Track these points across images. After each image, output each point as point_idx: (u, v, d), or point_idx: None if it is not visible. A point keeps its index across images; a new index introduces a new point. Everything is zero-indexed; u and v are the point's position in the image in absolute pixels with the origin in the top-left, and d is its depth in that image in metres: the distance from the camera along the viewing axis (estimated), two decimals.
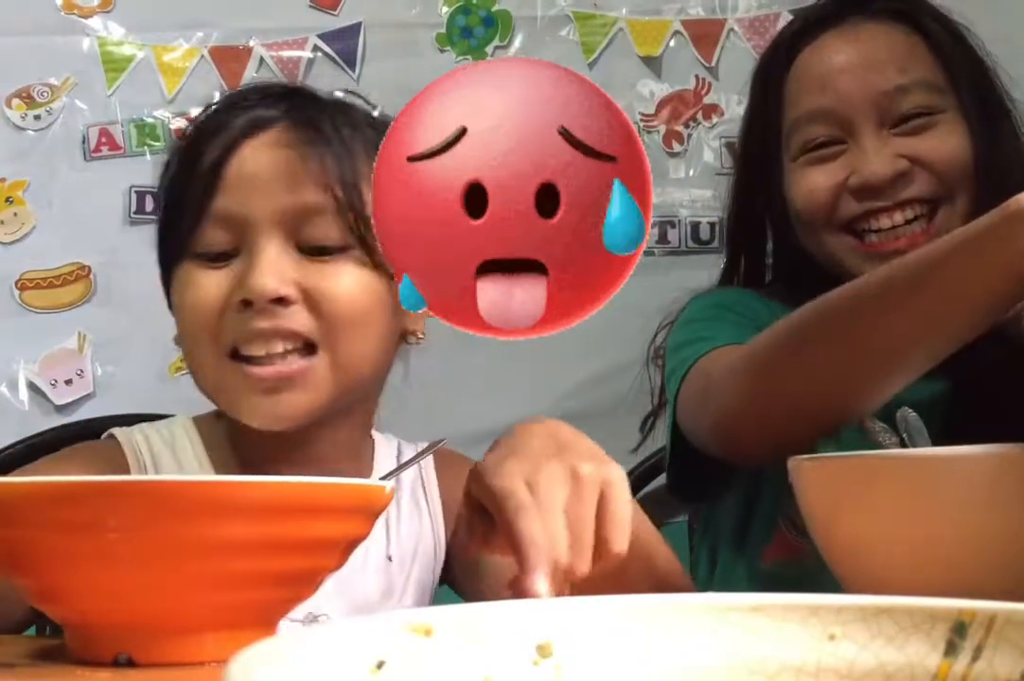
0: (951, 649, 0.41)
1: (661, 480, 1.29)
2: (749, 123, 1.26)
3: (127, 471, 0.96)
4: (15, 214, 1.88)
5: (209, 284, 0.91)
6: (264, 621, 0.65)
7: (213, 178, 0.91)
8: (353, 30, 1.90)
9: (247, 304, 0.89)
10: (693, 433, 1.08)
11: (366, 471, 1.03)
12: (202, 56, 1.88)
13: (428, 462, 1.04)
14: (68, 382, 1.82)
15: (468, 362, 1.82)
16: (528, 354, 1.82)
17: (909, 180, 1.14)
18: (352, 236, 0.91)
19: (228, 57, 1.88)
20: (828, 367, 0.91)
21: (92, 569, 0.60)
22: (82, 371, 1.83)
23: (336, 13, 1.91)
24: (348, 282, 0.91)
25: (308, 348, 0.90)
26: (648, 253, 1.83)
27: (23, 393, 1.82)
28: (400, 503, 1.03)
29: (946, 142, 1.15)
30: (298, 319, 0.89)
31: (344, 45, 1.89)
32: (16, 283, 1.85)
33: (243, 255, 0.91)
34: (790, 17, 1.86)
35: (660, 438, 1.23)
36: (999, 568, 0.61)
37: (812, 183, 1.17)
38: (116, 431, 1.00)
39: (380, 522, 0.93)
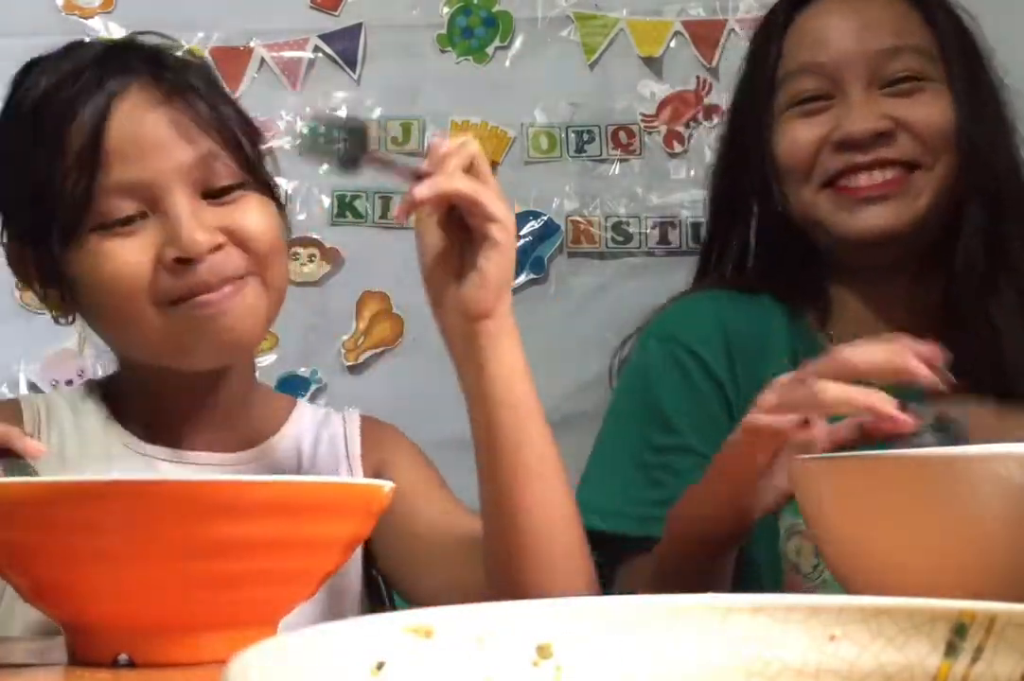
0: (951, 650, 0.41)
1: None
2: (745, 76, 1.29)
3: (19, 420, 1.01)
4: None
5: (128, 251, 0.93)
6: (263, 621, 0.65)
7: (95, 150, 0.92)
8: (354, 31, 1.89)
9: (182, 261, 0.92)
10: None
11: (269, 431, 1.07)
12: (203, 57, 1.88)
13: (354, 421, 1.10)
14: (69, 382, 1.82)
15: None
16: (529, 355, 1.82)
17: (890, 140, 1.16)
18: (245, 171, 0.97)
19: (229, 58, 1.87)
20: None
21: (91, 570, 0.60)
22: (83, 371, 1.82)
23: (337, 14, 1.90)
24: (259, 213, 0.97)
25: (242, 279, 0.96)
26: (649, 254, 1.83)
27: (24, 393, 1.82)
28: (317, 455, 1.07)
29: (931, 108, 1.18)
30: (234, 260, 0.95)
31: (345, 46, 1.89)
32: (17, 283, 1.85)
33: (156, 216, 0.93)
34: None
35: None
36: (1000, 569, 0.61)
37: (797, 135, 1.19)
38: (21, 395, 1.05)
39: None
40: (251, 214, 0.96)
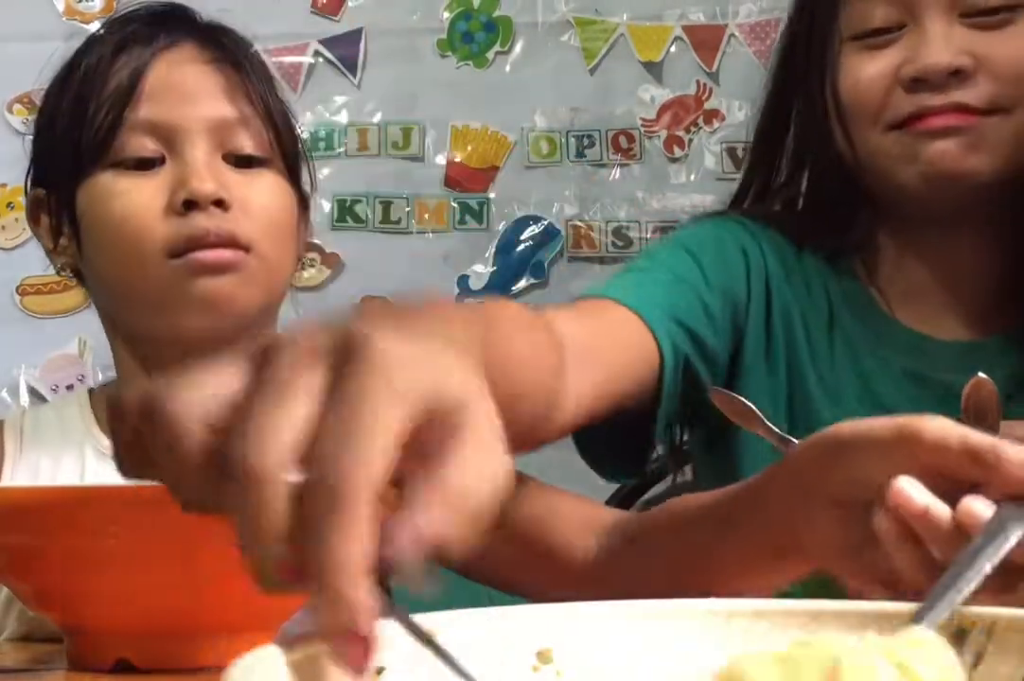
0: None
1: (661, 483, 1.28)
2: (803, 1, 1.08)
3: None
4: (16, 219, 1.88)
5: (142, 190, 0.93)
6: (263, 626, 0.65)
7: (131, 88, 0.94)
8: (354, 36, 1.90)
9: (190, 205, 0.91)
10: None
11: None
12: None
13: None
14: (69, 387, 1.82)
15: None
16: None
17: (968, 80, 0.98)
18: (273, 149, 0.97)
19: None
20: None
21: (92, 575, 0.60)
22: (83, 376, 1.83)
23: (337, 19, 1.91)
24: (273, 192, 0.96)
25: (243, 249, 0.94)
26: None
27: (24, 398, 1.82)
28: None
29: (1021, 43, 0.99)
30: (236, 222, 0.93)
31: (345, 51, 1.90)
32: (17, 288, 1.85)
33: (173, 162, 0.94)
34: None
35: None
36: None
37: (861, 72, 1.01)
38: (9, 417, 1.05)
39: None
40: (263, 186, 0.96)
